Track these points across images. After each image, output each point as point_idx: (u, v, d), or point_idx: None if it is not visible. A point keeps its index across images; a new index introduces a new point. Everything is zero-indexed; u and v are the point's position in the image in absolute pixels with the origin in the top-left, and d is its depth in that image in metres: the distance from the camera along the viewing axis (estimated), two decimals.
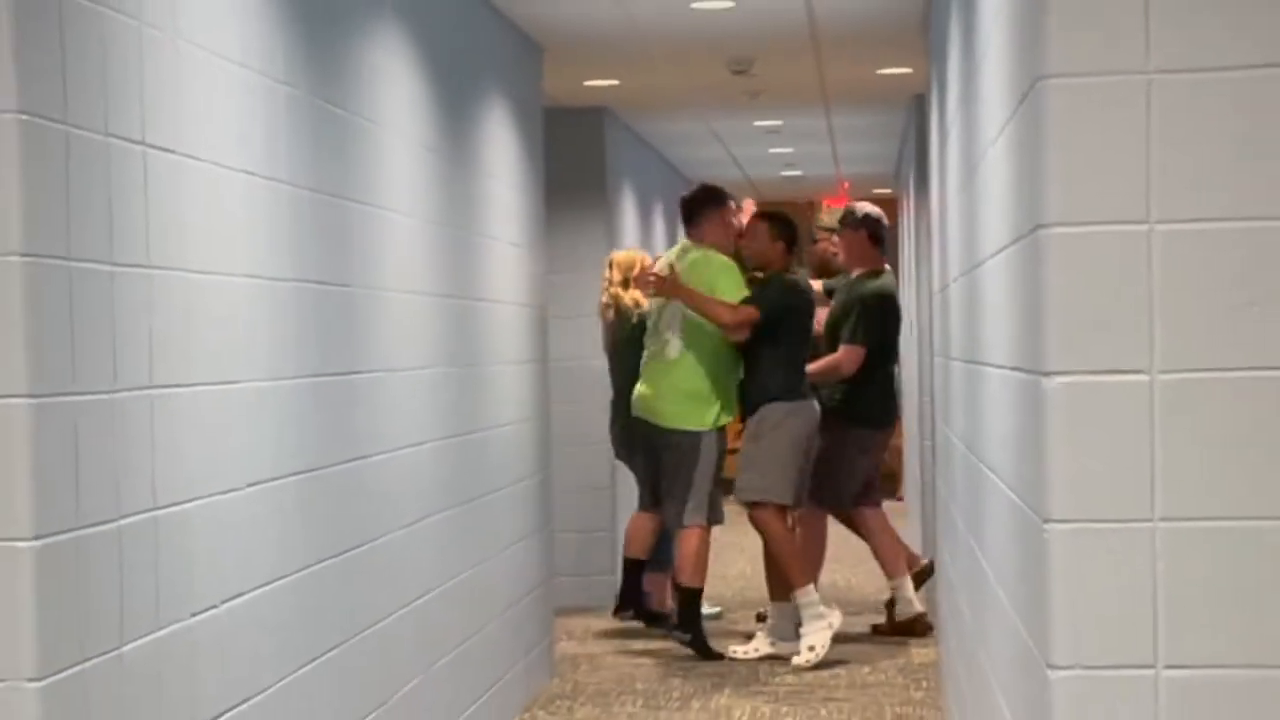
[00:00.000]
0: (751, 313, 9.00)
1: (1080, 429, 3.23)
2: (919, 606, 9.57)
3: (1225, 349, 3.20)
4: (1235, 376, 3.20)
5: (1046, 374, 3.27)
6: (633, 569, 9.56)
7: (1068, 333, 3.24)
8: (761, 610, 9.86)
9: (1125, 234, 3.21)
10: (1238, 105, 3.19)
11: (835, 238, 10.24)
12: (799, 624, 9.08)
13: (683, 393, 9.23)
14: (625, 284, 10.07)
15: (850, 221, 9.71)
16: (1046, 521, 3.28)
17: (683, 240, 9.80)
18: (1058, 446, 3.25)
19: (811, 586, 9.05)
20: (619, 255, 10.44)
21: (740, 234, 9.67)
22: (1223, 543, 3.20)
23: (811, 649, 8.86)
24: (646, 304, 9.78)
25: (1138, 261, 3.21)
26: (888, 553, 9.67)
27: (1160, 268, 3.20)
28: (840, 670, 8.65)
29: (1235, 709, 3.20)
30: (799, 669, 8.80)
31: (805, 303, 9.30)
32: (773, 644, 9.04)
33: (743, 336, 9.07)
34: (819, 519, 9.65)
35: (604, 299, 10.24)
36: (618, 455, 10.34)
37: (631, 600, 9.61)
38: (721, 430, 9.29)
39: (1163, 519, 3.21)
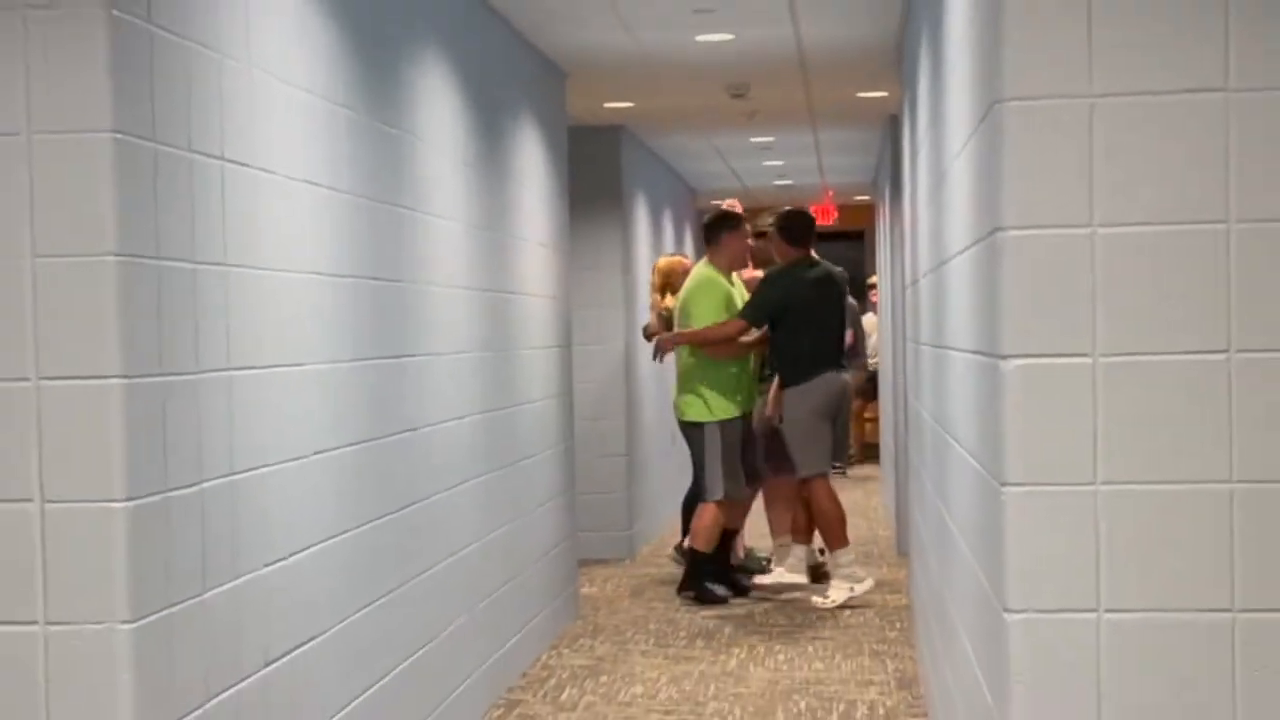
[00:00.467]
0: (733, 325, 8.96)
1: (1032, 405, 3.23)
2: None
3: (1157, 336, 3.19)
4: (1166, 359, 3.19)
5: (1003, 357, 3.27)
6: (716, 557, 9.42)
7: (1021, 321, 3.23)
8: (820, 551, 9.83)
9: (1071, 236, 3.21)
10: (1168, 124, 3.18)
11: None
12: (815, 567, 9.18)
13: (687, 390, 9.25)
14: (664, 290, 10.05)
15: (771, 225, 9.54)
16: (1003, 485, 3.28)
17: (702, 259, 9.71)
18: (1013, 420, 3.25)
19: (848, 548, 9.00)
20: (660, 262, 10.42)
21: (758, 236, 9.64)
22: (1155, 503, 3.20)
23: (828, 598, 8.87)
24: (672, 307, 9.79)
25: (1082, 260, 3.21)
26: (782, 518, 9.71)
27: (1101, 265, 3.20)
28: (825, 613, 8.66)
29: (1166, 647, 3.20)
30: (816, 607, 8.82)
31: (802, 293, 9.00)
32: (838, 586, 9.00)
33: (739, 341, 9.05)
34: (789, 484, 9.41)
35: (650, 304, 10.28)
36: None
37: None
38: (731, 425, 9.11)
39: (1104, 483, 3.21)
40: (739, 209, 9.82)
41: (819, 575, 9.44)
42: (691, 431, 9.27)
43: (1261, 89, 3.16)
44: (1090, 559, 3.21)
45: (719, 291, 9.23)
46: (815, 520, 9.19)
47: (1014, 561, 3.25)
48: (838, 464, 9.38)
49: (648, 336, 10.32)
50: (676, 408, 9.43)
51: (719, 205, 10.16)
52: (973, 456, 4.02)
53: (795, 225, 9.24)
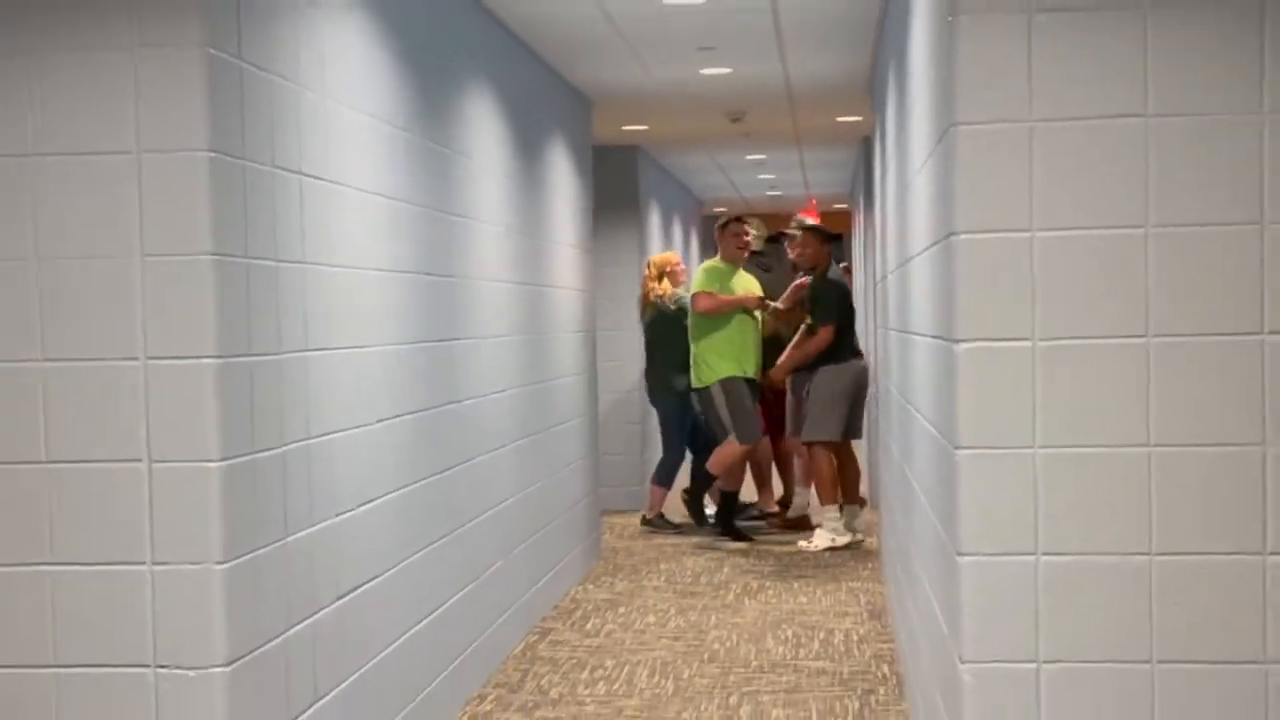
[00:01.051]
0: (824, 333, 8.92)
1: (981, 381, 3.23)
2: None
3: (1087, 323, 3.20)
4: (1094, 343, 3.20)
5: (957, 341, 3.27)
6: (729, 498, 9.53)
7: (972, 311, 3.24)
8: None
9: (1014, 239, 3.21)
10: (1096, 145, 3.18)
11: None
12: (817, 524, 9.13)
13: (696, 365, 9.26)
14: (660, 278, 10.04)
15: (796, 228, 9.51)
16: (957, 448, 3.29)
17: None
18: (965, 394, 3.25)
19: (834, 506, 8.96)
20: (655, 257, 10.40)
21: (798, 243, 9.56)
22: (1085, 464, 3.21)
23: (812, 543, 8.91)
24: (668, 294, 9.84)
25: (1023, 259, 3.21)
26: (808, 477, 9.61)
27: (1039, 263, 3.20)
28: (806, 559, 8.67)
29: (1094, 585, 3.20)
30: (801, 550, 8.88)
31: (836, 291, 9.03)
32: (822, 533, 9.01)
33: (707, 309, 9.12)
34: (844, 449, 9.26)
35: (641, 289, 10.27)
36: (650, 400, 10.34)
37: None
38: (732, 380, 9.11)
39: (1041, 446, 3.22)
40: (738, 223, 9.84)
41: (803, 524, 9.46)
42: (703, 396, 9.28)
43: (1174, 115, 3.16)
44: (1030, 510, 3.22)
45: (709, 275, 9.29)
46: (811, 476, 9.19)
47: (965, 512, 3.26)
48: (858, 436, 9.34)
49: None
50: (692, 384, 9.40)
51: (723, 212, 10.21)
52: (931, 424, 4.02)
53: (824, 231, 9.29)
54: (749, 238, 9.48)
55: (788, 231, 9.59)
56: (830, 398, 8.94)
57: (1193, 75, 3.16)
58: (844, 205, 17.87)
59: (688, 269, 10.90)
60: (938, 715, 3.94)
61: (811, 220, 9.48)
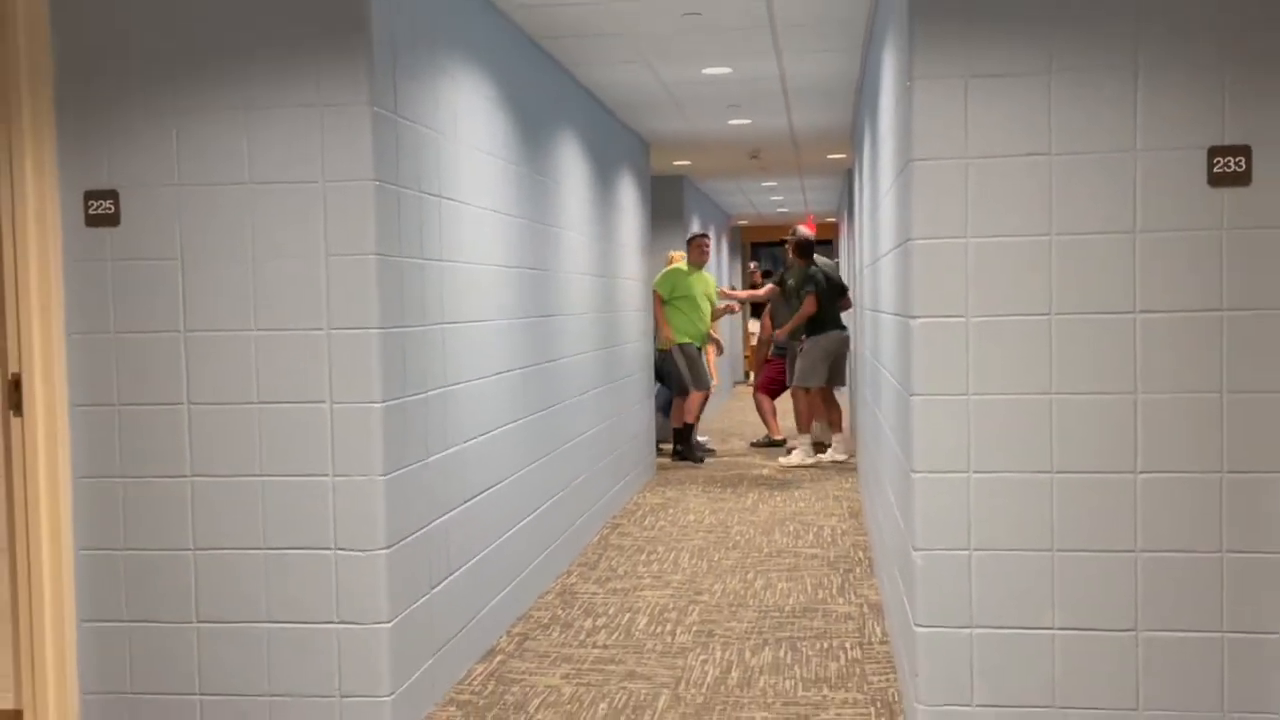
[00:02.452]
0: (809, 303, 8.90)
1: (929, 346, 3.23)
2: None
3: (1005, 304, 3.18)
4: (1011, 319, 3.18)
5: (912, 317, 3.26)
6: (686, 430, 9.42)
7: (923, 296, 3.22)
8: (785, 438, 10.03)
9: (953, 244, 3.19)
10: (1012, 175, 3.16)
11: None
12: (792, 448, 9.10)
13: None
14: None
15: (791, 241, 9.49)
16: (911, 395, 3.28)
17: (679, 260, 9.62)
18: (918, 356, 3.25)
19: (805, 435, 9.01)
20: (672, 253, 10.33)
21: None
22: (1003, 406, 3.19)
23: (786, 461, 8.94)
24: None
25: (959, 258, 3.19)
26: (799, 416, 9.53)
27: (972, 261, 3.19)
28: (805, 474, 8.65)
29: (1008, 494, 3.19)
30: (779, 466, 8.91)
31: (814, 282, 8.97)
32: (803, 452, 9.00)
33: (656, 314, 9.11)
34: (828, 393, 9.23)
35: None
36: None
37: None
38: (681, 347, 9.16)
39: (972, 394, 3.21)
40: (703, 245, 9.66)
41: (820, 447, 9.37)
42: (667, 355, 9.25)
43: (1069, 153, 3.13)
44: (964, 441, 3.22)
45: (669, 277, 9.22)
46: (797, 411, 9.20)
47: (918, 442, 3.26)
48: (842, 385, 9.29)
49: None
50: (657, 346, 9.32)
51: (741, 223, 10.11)
52: (894, 378, 4.01)
53: (805, 245, 9.23)
54: (708, 250, 9.41)
55: (785, 239, 9.67)
56: (814, 357, 8.98)
57: (1083, 124, 3.13)
58: (834, 218, 17.75)
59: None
60: (897, 587, 3.94)
61: (802, 230, 9.37)
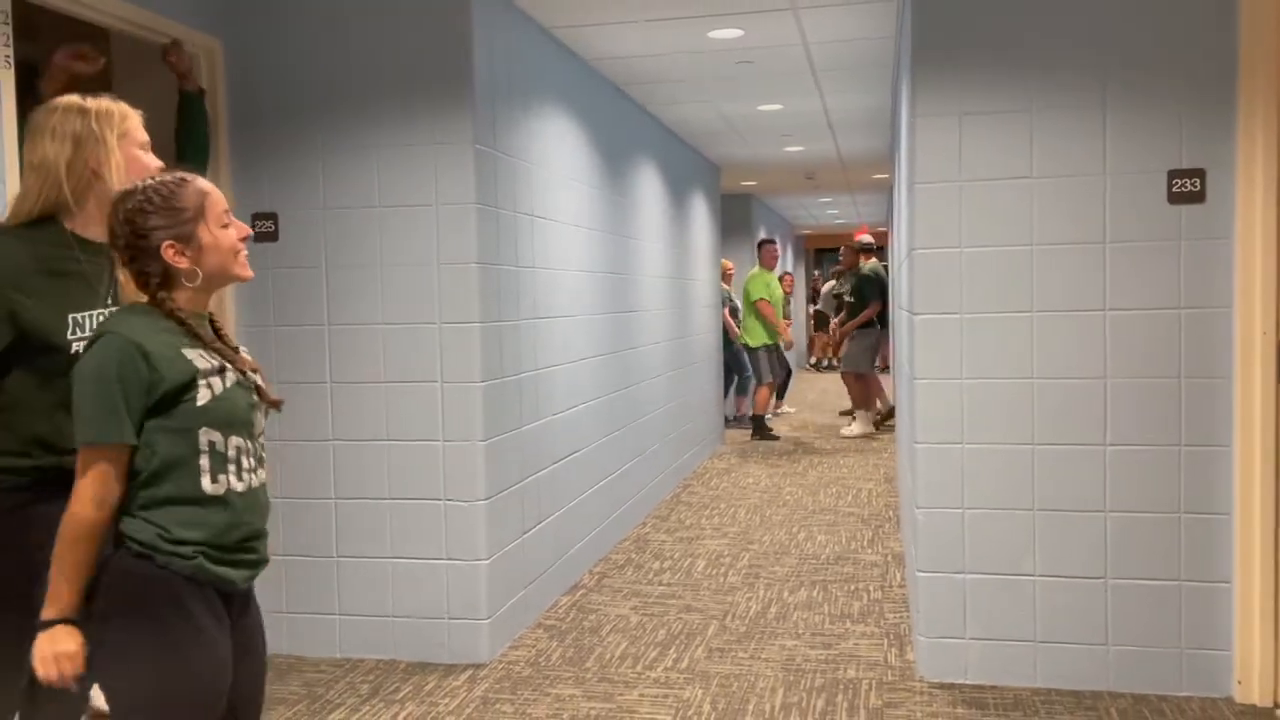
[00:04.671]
0: (872, 307, 8.75)
1: (929, 338, 3.24)
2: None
3: (993, 303, 3.19)
4: (998, 315, 3.18)
5: (915, 313, 3.29)
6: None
7: (924, 295, 3.24)
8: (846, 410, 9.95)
9: (949, 252, 3.21)
10: (999, 195, 3.16)
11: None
12: (854, 418, 9.05)
13: (749, 331, 9.08)
14: (724, 276, 9.71)
15: (854, 247, 9.45)
16: (915, 379, 3.30)
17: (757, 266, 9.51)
18: (919, 345, 3.27)
19: (862, 411, 8.95)
20: (725, 261, 10.25)
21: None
22: (991, 388, 3.19)
23: (852, 430, 8.92)
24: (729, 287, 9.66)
25: (954, 265, 3.21)
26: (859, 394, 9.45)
27: (965, 267, 3.20)
28: (849, 442, 8.62)
29: (996, 462, 3.20)
30: (842, 436, 8.87)
31: (869, 284, 8.84)
32: (857, 426, 8.98)
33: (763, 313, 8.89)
34: (871, 377, 9.11)
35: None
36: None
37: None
38: (766, 348, 8.94)
39: (966, 378, 3.22)
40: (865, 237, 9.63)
41: (882, 426, 9.27)
42: (751, 351, 9.08)
43: (1048, 176, 3.13)
44: (958, 416, 3.23)
45: (758, 283, 8.99)
46: (852, 392, 9.14)
47: (919, 418, 3.28)
48: (885, 368, 9.17)
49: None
50: (741, 338, 9.19)
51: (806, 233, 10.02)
52: (907, 363, 4.03)
53: (868, 246, 9.19)
54: (777, 252, 9.26)
55: (843, 247, 9.66)
56: (860, 349, 8.89)
57: (1059, 152, 3.12)
58: (883, 228, 17.52)
59: (736, 271, 10.70)
60: (909, 541, 3.97)
61: (861, 239, 9.32)
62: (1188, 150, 3.03)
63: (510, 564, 3.77)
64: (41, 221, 1.93)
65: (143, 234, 1.67)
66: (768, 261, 9.18)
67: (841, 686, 3.29)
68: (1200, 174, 3.02)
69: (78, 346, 1.91)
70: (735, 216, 11.41)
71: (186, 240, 1.69)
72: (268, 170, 3.60)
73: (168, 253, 1.68)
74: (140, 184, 1.70)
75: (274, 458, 3.65)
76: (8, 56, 2.70)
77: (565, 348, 4.46)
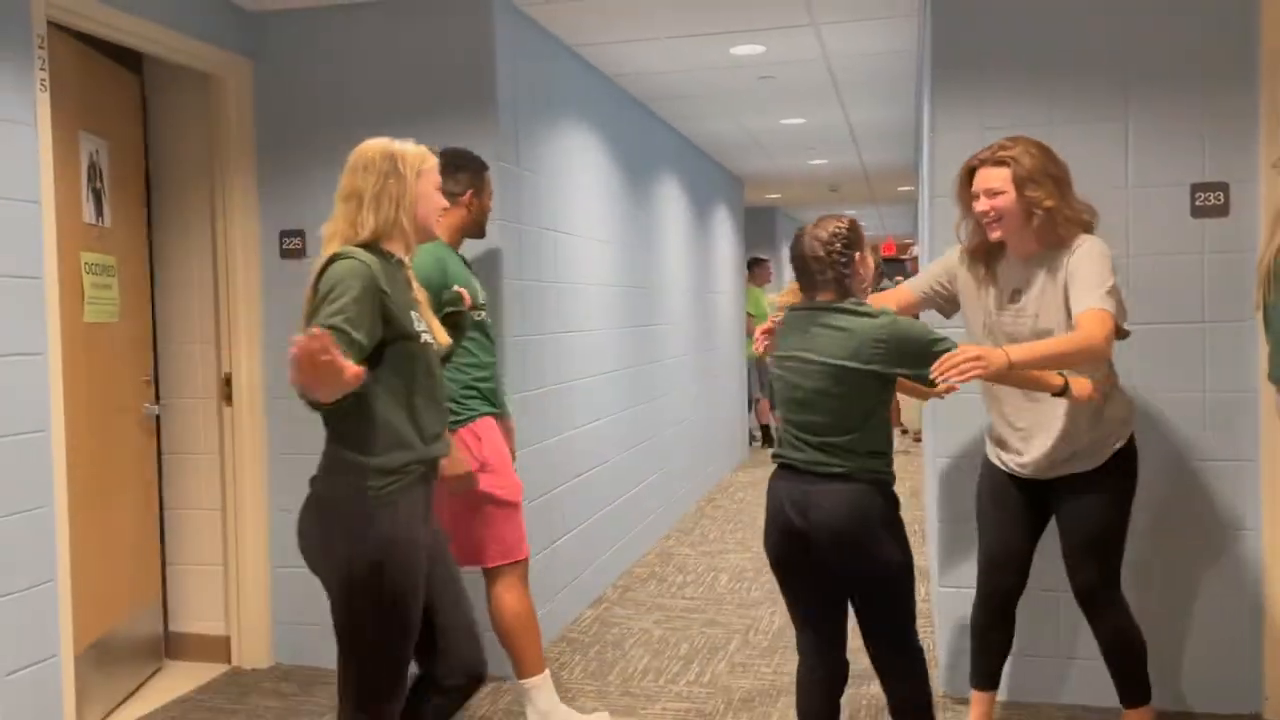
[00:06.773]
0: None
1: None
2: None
3: None
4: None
5: (939, 327, 3.27)
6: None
7: None
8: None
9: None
10: None
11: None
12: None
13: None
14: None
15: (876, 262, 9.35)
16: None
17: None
18: None
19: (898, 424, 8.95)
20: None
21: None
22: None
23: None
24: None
25: None
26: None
27: None
28: None
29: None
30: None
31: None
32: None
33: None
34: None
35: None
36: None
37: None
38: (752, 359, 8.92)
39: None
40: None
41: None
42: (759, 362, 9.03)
43: None
44: (978, 430, 3.19)
45: (752, 300, 8.97)
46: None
47: (940, 429, 3.24)
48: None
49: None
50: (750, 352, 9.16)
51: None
52: None
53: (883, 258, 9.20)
54: (770, 273, 9.17)
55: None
56: None
57: (1081, 164, 3.09)
58: (910, 240, 17.49)
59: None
60: (931, 555, 3.93)
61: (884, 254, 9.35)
62: (1210, 164, 3.01)
63: (533, 577, 3.78)
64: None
65: None
66: (758, 279, 9.21)
67: (864, 702, 3.28)
68: (1223, 187, 3.00)
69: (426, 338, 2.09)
70: (760, 229, 11.41)
71: None
72: (294, 187, 3.65)
73: None
74: None
75: (297, 471, 3.67)
76: (44, 80, 2.76)
77: (589, 362, 4.48)
